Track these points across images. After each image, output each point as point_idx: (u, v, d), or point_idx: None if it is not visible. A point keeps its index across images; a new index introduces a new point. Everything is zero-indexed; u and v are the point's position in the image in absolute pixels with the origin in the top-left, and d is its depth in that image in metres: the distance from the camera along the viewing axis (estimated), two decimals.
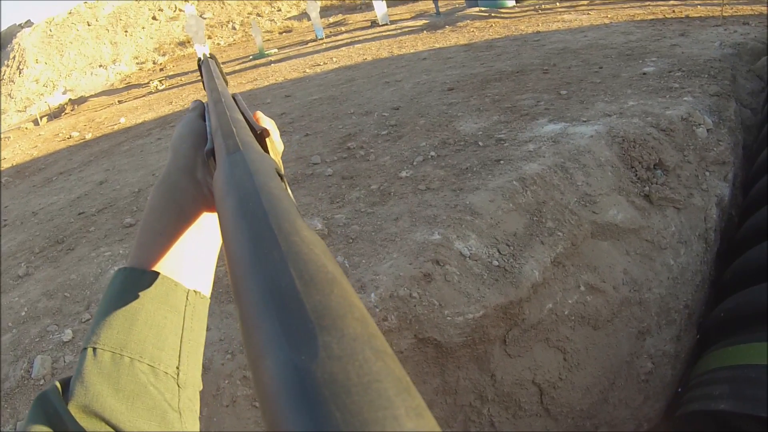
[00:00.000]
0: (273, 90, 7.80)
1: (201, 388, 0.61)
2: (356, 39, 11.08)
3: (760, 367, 2.79)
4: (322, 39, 12.62)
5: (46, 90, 13.27)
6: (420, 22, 11.39)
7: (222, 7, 20.74)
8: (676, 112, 3.96)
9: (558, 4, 10.35)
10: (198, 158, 0.68)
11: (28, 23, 21.73)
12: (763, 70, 5.10)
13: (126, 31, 18.97)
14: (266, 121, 0.71)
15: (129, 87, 13.32)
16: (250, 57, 12.58)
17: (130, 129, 8.11)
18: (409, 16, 12.97)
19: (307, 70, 8.74)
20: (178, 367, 0.56)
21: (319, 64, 9.03)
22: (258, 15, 19.71)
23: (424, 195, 3.37)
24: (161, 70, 15.66)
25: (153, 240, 0.62)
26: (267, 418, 0.20)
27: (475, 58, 6.83)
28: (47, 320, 3.04)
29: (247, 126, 0.60)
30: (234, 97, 0.76)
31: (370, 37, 10.97)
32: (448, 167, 3.65)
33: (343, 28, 13.80)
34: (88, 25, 19.12)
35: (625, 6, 8.85)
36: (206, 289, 0.66)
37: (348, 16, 16.52)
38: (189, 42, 17.08)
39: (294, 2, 20.13)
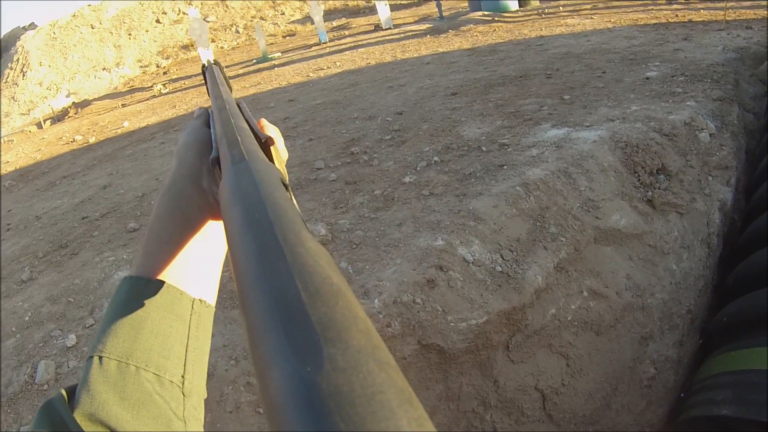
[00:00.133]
0: (276, 94, 7.82)
1: (206, 396, 0.61)
2: (360, 43, 11.09)
3: (762, 372, 2.79)
4: (325, 43, 12.64)
5: (49, 93, 13.31)
6: (423, 26, 11.40)
7: (225, 11, 20.80)
8: (678, 117, 3.96)
9: (561, 8, 10.35)
10: (203, 166, 0.68)
11: (32, 26, 21.80)
12: (765, 74, 5.09)
13: (129, 34, 19.02)
14: (271, 129, 0.71)
15: (132, 90, 13.35)
16: (254, 61, 12.61)
17: (133, 133, 8.13)
18: (413, 20, 12.97)
19: (311, 75, 8.76)
20: (183, 376, 0.56)
21: (323, 68, 9.05)
22: (261, 18, 19.75)
23: (427, 200, 3.38)
24: (165, 73, 15.70)
25: (158, 248, 0.62)
26: (274, 428, 0.20)
27: (479, 62, 6.83)
28: (51, 325, 3.04)
29: (251, 134, 0.60)
30: (238, 104, 0.76)
31: (373, 41, 10.98)
32: (452, 172, 3.66)
33: (346, 32, 13.81)
34: (92, 27, 19.18)
35: (629, 10, 8.84)
36: (211, 298, 0.66)
37: (351, 19, 16.53)
38: (192, 45, 17.13)
39: (298, 6, 20.18)
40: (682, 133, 3.85)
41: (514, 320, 2.85)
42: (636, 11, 8.67)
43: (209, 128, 0.75)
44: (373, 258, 2.96)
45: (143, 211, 4.32)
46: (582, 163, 3.51)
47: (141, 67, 17.79)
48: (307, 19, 17.03)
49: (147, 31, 19.40)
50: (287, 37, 16.64)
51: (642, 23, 7.62)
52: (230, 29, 19.61)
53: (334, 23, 16.46)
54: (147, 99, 11.28)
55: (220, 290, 0.68)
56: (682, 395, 3.55)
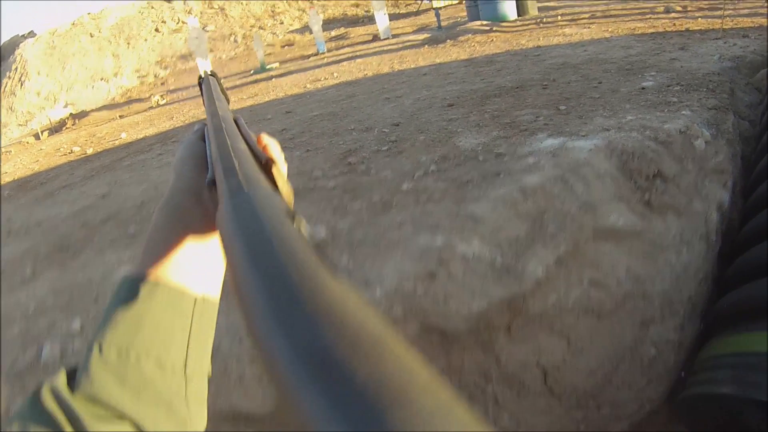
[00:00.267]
0: (274, 106, 7.84)
1: (210, 374, 0.61)
2: (358, 53, 11.13)
3: (763, 355, 2.83)
4: (323, 53, 12.68)
5: (47, 103, 13.34)
6: (421, 36, 11.44)
7: (224, 20, 20.90)
8: (674, 126, 3.96)
9: (560, 17, 10.39)
10: (202, 180, 0.65)
11: (31, 34, 21.88)
12: (761, 82, 5.11)
13: (128, 43, 19.09)
14: (271, 146, 0.70)
15: (130, 101, 13.39)
16: (251, 71, 12.64)
17: (131, 144, 8.15)
18: (411, 30, 13.02)
19: (308, 86, 8.79)
20: (185, 362, 0.56)
21: (320, 80, 9.09)
22: (260, 28, 19.83)
23: (426, 205, 3.39)
24: (162, 84, 15.74)
25: (159, 250, 0.61)
26: None
27: (476, 73, 6.86)
28: (56, 313, 3.10)
29: (250, 156, 0.58)
30: (236, 120, 0.75)
31: (371, 51, 11.02)
32: (449, 180, 3.67)
33: (344, 42, 13.87)
34: (91, 36, 19.25)
35: (626, 19, 8.88)
36: (215, 292, 0.65)
37: (350, 29, 16.59)
38: (191, 55, 17.20)
39: (296, 15, 20.28)
40: (678, 141, 3.86)
41: (515, 306, 2.89)
42: (634, 20, 8.71)
43: (205, 142, 0.74)
44: (374, 255, 2.99)
45: (143, 218, 4.33)
46: (578, 170, 3.52)
47: (139, 77, 17.85)
48: (306, 28, 17.10)
49: (146, 40, 19.48)
50: (285, 47, 16.70)
51: (639, 32, 7.65)
52: (229, 39, 19.70)
53: (333, 33, 16.52)
54: (144, 110, 11.32)
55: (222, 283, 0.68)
56: (682, 374, 3.56)
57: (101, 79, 16.03)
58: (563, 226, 3.20)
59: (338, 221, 3.41)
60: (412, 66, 8.41)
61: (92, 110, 13.02)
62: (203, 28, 17.96)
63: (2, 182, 8.11)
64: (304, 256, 0.29)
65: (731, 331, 3.19)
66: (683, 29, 7.46)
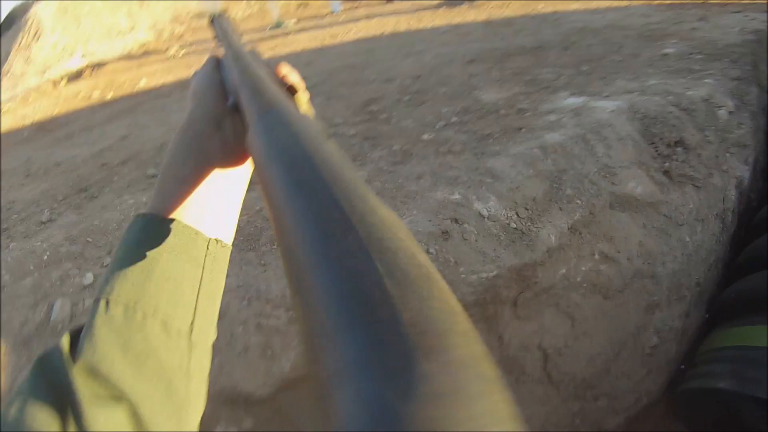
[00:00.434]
0: (292, 58, 7.85)
1: (215, 338, 0.58)
2: (373, 14, 11.09)
3: (762, 350, 2.82)
4: (338, 13, 12.64)
5: (64, 54, 13.30)
6: (437, 0, 11.39)
7: None
8: (697, 93, 3.99)
9: None
10: (224, 109, 0.65)
11: None
12: None
13: (141, 5, 18.91)
14: (292, 75, 0.66)
15: (147, 53, 13.36)
16: (268, 27, 12.61)
17: (150, 90, 8.19)
18: None
19: (327, 41, 8.79)
20: (192, 324, 0.54)
21: (338, 35, 9.08)
22: None
23: (445, 157, 3.45)
24: (180, 38, 15.68)
25: (174, 187, 0.59)
26: None
27: (495, 33, 6.87)
28: (69, 264, 3.08)
29: (275, 80, 0.57)
30: (252, 52, 0.74)
31: (386, 12, 10.97)
32: (470, 132, 3.73)
33: (359, 3, 13.77)
34: None
35: None
36: (228, 238, 0.63)
37: None
38: (206, 13, 17.05)
39: None
40: (701, 109, 3.89)
41: (524, 276, 2.91)
42: None
43: (220, 73, 0.73)
44: (391, 208, 3.03)
45: (163, 159, 4.38)
46: (600, 130, 3.57)
47: (155, 32, 17.74)
48: None
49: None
50: (299, 8, 16.58)
51: (657, 2, 7.62)
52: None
53: None
54: (163, 61, 11.32)
55: (237, 233, 0.69)
56: (682, 366, 3.60)
57: (118, 33, 15.94)
58: (581, 189, 3.24)
59: (358, 170, 3.45)
60: (430, 25, 8.39)
61: (109, 61, 13.02)
62: None
63: (22, 125, 8.16)
64: (351, 176, 0.27)
65: (733, 323, 3.18)
66: (702, 1, 7.43)
